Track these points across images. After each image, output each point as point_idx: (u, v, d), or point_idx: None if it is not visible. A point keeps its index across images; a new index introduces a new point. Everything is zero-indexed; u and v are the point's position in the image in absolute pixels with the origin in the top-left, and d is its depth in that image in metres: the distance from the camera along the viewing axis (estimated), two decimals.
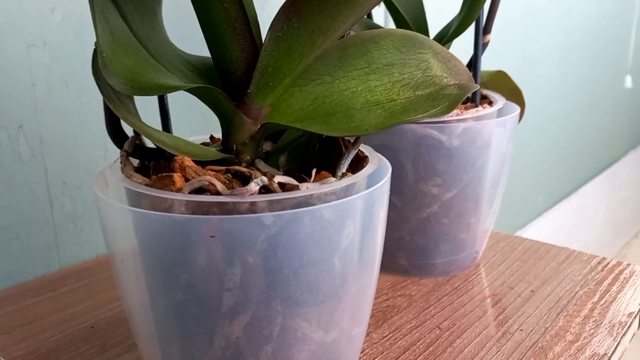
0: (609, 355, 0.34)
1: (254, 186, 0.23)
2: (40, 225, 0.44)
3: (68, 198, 0.45)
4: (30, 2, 0.41)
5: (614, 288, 0.41)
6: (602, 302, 0.40)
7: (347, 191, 0.25)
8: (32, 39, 0.41)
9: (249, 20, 0.25)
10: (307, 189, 0.24)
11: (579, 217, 1.38)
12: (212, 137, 0.32)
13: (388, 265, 0.44)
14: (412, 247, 0.43)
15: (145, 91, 0.24)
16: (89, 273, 0.44)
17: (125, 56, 0.24)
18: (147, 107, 0.32)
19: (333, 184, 0.25)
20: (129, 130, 0.28)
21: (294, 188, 0.24)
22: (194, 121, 0.52)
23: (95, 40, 0.24)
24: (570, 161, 1.32)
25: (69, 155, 0.45)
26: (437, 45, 0.30)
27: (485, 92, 0.46)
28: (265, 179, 0.24)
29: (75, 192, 0.45)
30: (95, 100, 0.45)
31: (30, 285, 0.42)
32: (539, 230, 1.20)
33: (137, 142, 0.28)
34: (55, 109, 0.43)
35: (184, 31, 0.42)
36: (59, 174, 0.44)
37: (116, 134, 0.28)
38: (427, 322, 0.37)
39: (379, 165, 0.28)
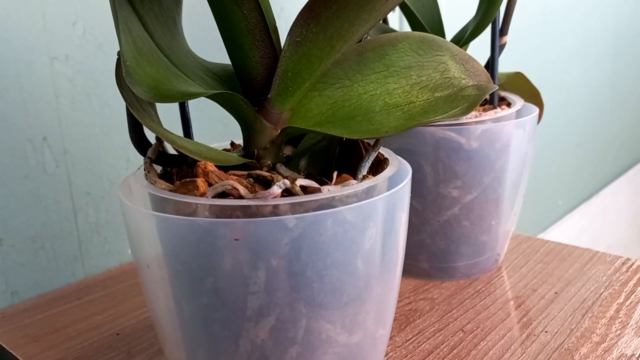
0: (636, 355, 0.33)
1: (276, 189, 0.23)
2: (65, 235, 0.44)
3: (92, 208, 0.46)
4: (53, 17, 0.42)
5: None
6: (627, 302, 0.39)
7: (368, 193, 0.26)
8: (55, 53, 0.42)
9: (269, 27, 0.25)
10: (329, 191, 0.24)
11: (601, 219, 1.36)
12: (232, 144, 0.32)
13: (409, 268, 0.44)
14: (433, 250, 0.43)
15: (168, 98, 0.25)
16: (113, 282, 0.45)
17: (148, 65, 0.25)
18: (168, 115, 0.33)
19: (354, 186, 0.25)
20: (151, 138, 0.29)
21: (316, 190, 0.25)
22: (214, 129, 0.52)
23: (117, 50, 0.24)
24: (590, 163, 1.31)
25: (92, 166, 0.45)
26: (454, 47, 0.30)
27: (504, 93, 0.46)
28: (287, 182, 0.24)
29: (99, 202, 0.46)
30: (117, 111, 0.46)
31: (56, 294, 0.43)
32: (560, 234, 1.19)
33: (160, 149, 0.28)
34: (78, 121, 0.44)
35: (203, 39, 0.42)
36: (83, 185, 0.45)
37: (139, 141, 0.28)
38: (450, 325, 0.37)
39: (399, 167, 0.28)
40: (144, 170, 0.27)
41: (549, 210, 1.17)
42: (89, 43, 0.44)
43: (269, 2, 0.26)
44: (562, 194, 1.21)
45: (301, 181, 0.25)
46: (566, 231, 1.22)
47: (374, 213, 0.25)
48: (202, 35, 0.44)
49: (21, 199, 0.42)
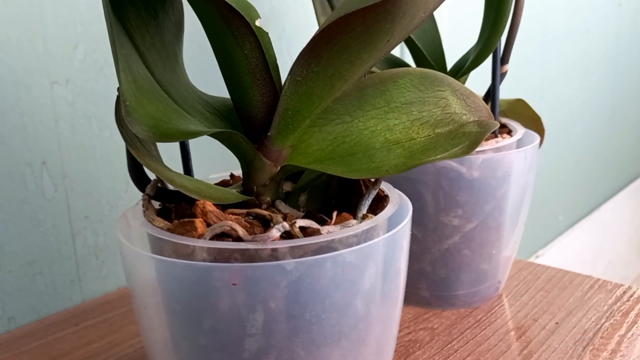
0: None
1: (275, 232, 0.23)
2: (63, 259, 0.44)
3: (90, 232, 0.45)
4: (54, 40, 0.42)
5: None
6: (629, 334, 0.39)
7: (368, 234, 0.25)
8: (55, 77, 0.42)
9: (269, 66, 0.25)
10: (329, 233, 0.24)
11: (602, 234, 1.36)
12: (232, 176, 0.32)
13: (410, 296, 0.43)
14: (433, 278, 0.42)
15: (167, 138, 0.24)
16: (111, 307, 0.44)
17: (148, 103, 0.25)
18: (168, 145, 0.33)
19: (354, 227, 0.25)
20: (151, 173, 0.29)
21: (315, 232, 0.24)
22: (215, 152, 0.52)
23: (117, 87, 0.24)
24: (591, 178, 1.31)
25: (91, 190, 0.45)
26: (455, 82, 0.30)
27: (504, 120, 0.46)
28: (286, 224, 0.24)
29: (97, 226, 0.46)
30: (117, 135, 0.46)
31: (53, 320, 0.43)
32: (561, 250, 1.19)
33: (159, 184, 0.28)
34: (78, 145, 0.44)
35: (204, 68, 0.42)
36: (82, 208, 0.45)
37: (139, 177, 0.28)
38: (451, 358, 0.37)
39: (399, 204, 0.28)
40: (142, 206, 0.27)
41: (549, 226, 1.17)
42: (90, 66, 0.44)
43: (269, 39, 0.26)
44: (562, 210, 1.21)
45: (300, 222, 0.24)
46: (567, 246, 1.22)
47: (374, 254, 0.25)
48: (203, 65, 0.44)
49: (19, 224, 0.42)
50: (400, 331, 0.40)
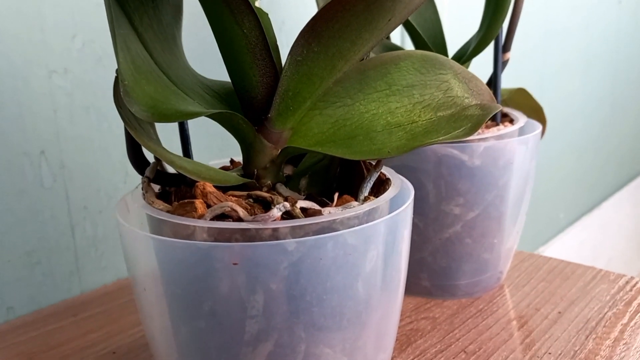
0: None
1: (276, 212, 0.23)
2: (61, 250, 0.44)
3: (89, 223, 0.45)
4: (52, 30, 0.41)
5: None
6: (632, 323, 0.38)
7: (369, 215, 0.25)
8: (53, 66, 0.42)
9: (269, 45, 0.25)
10: (330, 213, 0.24)
11: (602, 232, 1.36)
12: (232, 161, 0.32)
13: (411, 286, 0.43)
14: (434, 268, 0.42)
15: (166, 118, 0.24)
16: (109, 298, 0.44)
17: (147, 83, 0.25)
18: (167, 131, 0.32)
19: (355, 209, 0.25)
20: (149, 156, 0.28)
21: (317, 213, 0.24)
22: (214, 143, 0.52)
23: (116, 67, 0.24)
24: (591, 176, 1.30)
25: (90, 180, 0.45)
26: (457, 65, 0.30)
27: (506, 110, 0.45)
28: (287, 204, 0.23)
29: (97, 217, 0.46)
30: (115, 125, 0.45)
31: (51, 310, 0.42)
32: (562, 247, 1.18)
33: (158, 168, 0.28)
34: (76, 135, 0.44)
35: (203, 54, 0.42)
36: (80, 199, 0.44)
37: (137, 160, 0.28)
38: (452, 346, 0.36)
39: (401, 187, 0.28)
40: (142, 189, 0.27)
41: (550, 223, 1.17)
42: (88, 56, 0.44)
43: (269, 20, 0.26)
44: (563, 207, 1.21)
45: (301, 203, 0.24)
46: (567, 244, 1.21)
47: (376, 236, 0.25)
48: (202, 50, 0.43)
49: (18, 214, 0.41)
50: (401, 320, 0.39)
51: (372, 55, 0.37)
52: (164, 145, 0.29)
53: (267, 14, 0.26)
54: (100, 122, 0.45)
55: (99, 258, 0.46)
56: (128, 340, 0.38)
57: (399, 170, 0.31)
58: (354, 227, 0.24)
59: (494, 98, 0.29)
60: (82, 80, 0.43)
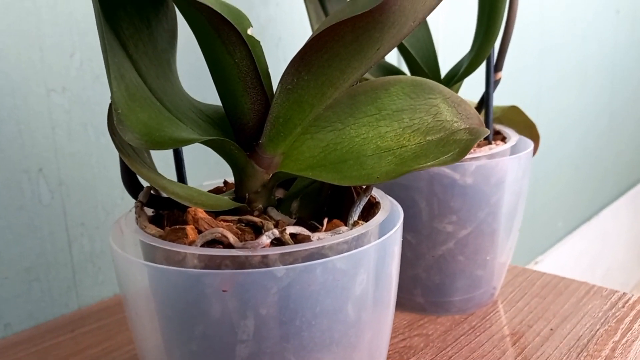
0: None
1: (265, 239, 0.23)
2: (59, 266, 0.44)
3: (87, 238, 0.46)
4: (51, 49, 0.42)
5: (636, 326, 0.40)
6: (623, 341, 0.39)
7: (359, 240, 0.26)
8: (52, 84, 0.42)
9: (260, 74, 0.25)
10: (319, 239, 0.24)
11: (600, 241, 1.36)
12: (226, 182, 0.32)
13: (404, 302, 0.43)
14: (428, 284, 0.42)
15: (159, 145, 0.25)
16: (107, 313, 0.44)
17: (141, 110, 0.25)
18: (163, 152, 0.33)
19: (344, 234, 0.25)
20: (144, 180, 0.29)
21: (306, 239, 0.24)
22: (211, 159, 0.52)
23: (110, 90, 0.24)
24: (589, 185, 1.31)
25: (88, 196, 0.45)
26: (446, 89, 0.30)
27: (499, 127, 0.46)
28: (276, 231, 0.24)
29: (94, 232, 0.46)
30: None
31: (49, 326, 0.43)
32: (559, 255, 1.18)
33: (151, 192, 0.28)
34: (74, 152, 0.44)
35: (198, 75, 0.43)
36: (78, 215, 0.45)
37: (132, 185, 0.28)
38: None
39: (390, 210, 0.28)
40: (135, 213, 0.27)
41: (548, 232, 1.17)
42: (86, 74, 0.44)
43: (261, 48, 0.27)
44: (561, 216, 1.21)
45: (291, 229, 0.25)
46: (566, 253, 1.22)
47: (365, 260, 0.25)
48: (196, 72, 0.44)
49: (16, 231, 0.42)
50: (394, 337, 0.40)
51: (368, 75, 0.38)
52: (160, 165, 0.29)
53: (259, 42, 0.27)
54: (97, 139, 0.45)
55: (96, 273, 0.47)
56: (125, 357, 0.38)
57: (391, 188, 0.32)
58: (343, 252, 0.25)
59: (482, 122, 0.30)
60: (80, 98, 0.44)
